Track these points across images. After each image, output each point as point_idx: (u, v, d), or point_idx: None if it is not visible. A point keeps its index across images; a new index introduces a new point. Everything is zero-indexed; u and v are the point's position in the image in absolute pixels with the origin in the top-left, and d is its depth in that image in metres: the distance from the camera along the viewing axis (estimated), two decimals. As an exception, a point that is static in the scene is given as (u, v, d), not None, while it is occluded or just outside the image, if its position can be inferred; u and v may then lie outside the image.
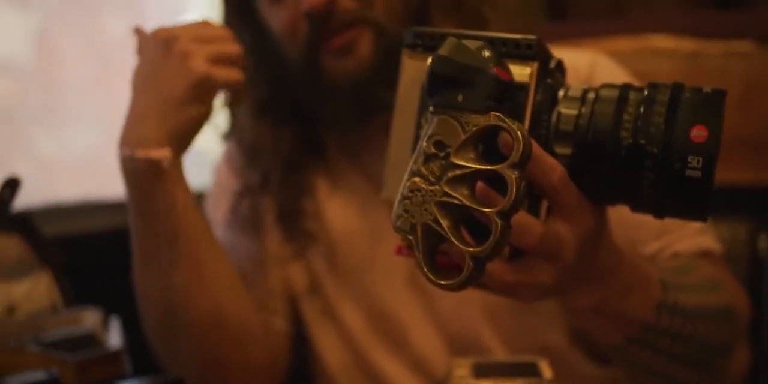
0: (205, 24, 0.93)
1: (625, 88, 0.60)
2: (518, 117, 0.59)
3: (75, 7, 2.23)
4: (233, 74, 0.89)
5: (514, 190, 0.50)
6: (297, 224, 1.03)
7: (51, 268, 1.08)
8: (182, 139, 0.90)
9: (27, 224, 1.07)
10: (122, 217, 0.98)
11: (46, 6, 2.22)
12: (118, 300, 1.03)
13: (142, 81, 0.90)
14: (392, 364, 1.02)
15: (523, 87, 0.59)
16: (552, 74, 0.62)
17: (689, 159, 0.55)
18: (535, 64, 0.59)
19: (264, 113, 1.03)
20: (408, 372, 1.02)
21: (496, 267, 0.63)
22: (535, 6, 1.65)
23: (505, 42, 0.59)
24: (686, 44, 1.26)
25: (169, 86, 0.86)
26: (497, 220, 0.50)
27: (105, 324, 1.03)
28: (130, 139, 0.89)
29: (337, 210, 1.04)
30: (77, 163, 2.33)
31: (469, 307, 0.98)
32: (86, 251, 1.23)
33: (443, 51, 0.54)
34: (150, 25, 0.94)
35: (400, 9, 0.92)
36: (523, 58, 0.59)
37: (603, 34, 1.31)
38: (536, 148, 0.57)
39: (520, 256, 0.64)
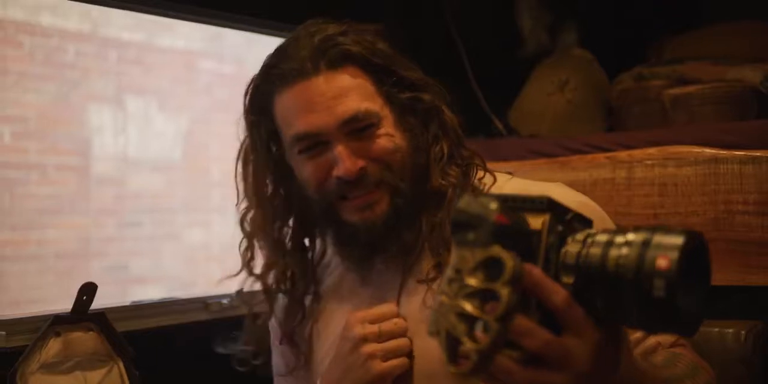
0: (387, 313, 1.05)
1: (614, 232, 0.72)
2: (532, 255, 0.73)
3: (216, 111, 2.51)
4: (402, 365, 1.03)
5: (505, 301, 0.67)
6: (294, 343, 1.15)
7: (122, 360, 1.28)
8: None
9: (102, 322, 1.28)
10: (189, 314, 1.12)
11: (193, 111, 2.48)
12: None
13: (330, 370, 1.06)
14: None
15: (536, 233, 0.73)
16: (568, 223, 0.75)
17: (655, 281, 0.67)
18: (548, 216, 0.73)
19: (281, 242, 1.13)
20: None
21: (513, 366, 0.73)
22: (598, 119, 1.78)
23: (524, 199, 0.75)
24: (707, 152, 1.32)
25: (352, 380, 1.03)
26: (494, 323, 0.67)
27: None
28: None
29: (326, 327, 1.14)
30: (218, 251, 2.57)
31: None
32: (154, 343, 1.41)
33: (460, 204, 0.72)
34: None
35: (410, 172, 1.05)
36: (537, 211, 0.74)
37: (646, 144, 1.40)
38: (541, 276, 0.71)
39: (536, 362, 0.75)
